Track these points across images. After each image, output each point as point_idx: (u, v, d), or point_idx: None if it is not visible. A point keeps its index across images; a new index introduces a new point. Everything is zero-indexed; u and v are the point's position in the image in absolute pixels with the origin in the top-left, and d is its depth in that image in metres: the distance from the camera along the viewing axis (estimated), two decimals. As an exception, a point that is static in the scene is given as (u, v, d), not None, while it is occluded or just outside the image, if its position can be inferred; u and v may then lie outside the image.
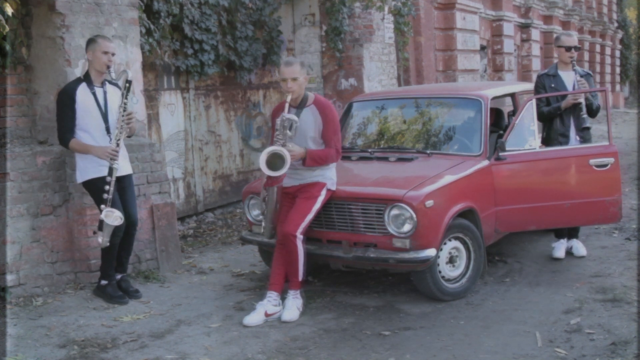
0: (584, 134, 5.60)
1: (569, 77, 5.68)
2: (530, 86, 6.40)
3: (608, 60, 26.16)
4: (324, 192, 4.67)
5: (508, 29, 15.86)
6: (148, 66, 6.90)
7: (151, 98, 7.13)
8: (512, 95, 6.26)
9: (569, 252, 5.77)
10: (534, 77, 7.37)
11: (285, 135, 4.51)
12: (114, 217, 4.58)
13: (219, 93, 8.21)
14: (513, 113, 6.44)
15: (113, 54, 4.81)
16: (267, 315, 4.50)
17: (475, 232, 4.89)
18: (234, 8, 7.87)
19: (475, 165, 5.12)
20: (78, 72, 5.13)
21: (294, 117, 4.55)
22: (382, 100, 6.25)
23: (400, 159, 5.35)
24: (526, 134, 5.34)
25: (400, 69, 11.02)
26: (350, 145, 5.91)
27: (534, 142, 5.32)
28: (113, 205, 4.62)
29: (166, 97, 7.42)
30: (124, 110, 4.68)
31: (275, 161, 4.44)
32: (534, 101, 5.42)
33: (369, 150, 5.68)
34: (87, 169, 4.79)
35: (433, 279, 4.68)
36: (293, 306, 4.57)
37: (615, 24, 27.34)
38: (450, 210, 4.70)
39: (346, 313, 4.63)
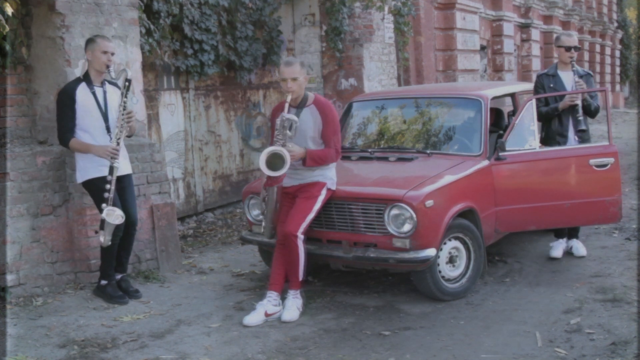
0: (582, 135, 5.59)
1: (568, 77, 5.67)
2: (530, 86, 6.40)
3: (608, 60, 26.16)
4: (324, 192, 4.67)
5: (508, 29, 15.87)
6: (148, 66, 6.90)
7: (151, 98, 7.14)
8: (512, 95, 6.26)
9: (569, 252, 5.77)
10: (534, 77, 7.37)
11: (285, 135, 4.51)
12: (115, 215, 4.58)
13: (219, 93, 8.21)
14: (513, 113, 6.44)
15: (112, 54, 4.81)
16: (267, 315, 4.50)
17: (475, 232, 4.89)
18: (234, 8, 7.87)
19: (475, 165, 5.12)
20: (78, 72, 5.13)
21: (294, 117, 4.55)
22: (382, 100, 6.25)
23: (400, 159, 5.35)
24: (526, 134, 5.34)
25: (400, 69, 11.02)
26: (350, 145, 5.91)
27: (534, 142, 5.32)
28: (113, 205, 4.62)
29: (166, 97, 7.42)
30: (124, 109, 4.68)
31: (275, 161, 4.44)
32: (533, 101, 5.42)
33: (369, 150, 5.68)
34: (87, 169, 4.79)
35: (433, 279, 4.68)
36: (293, 306, 4.57)
37: (615, 24, 27.35)
38: (450, 210, 4.70)
39: (346, 313, 4.63)
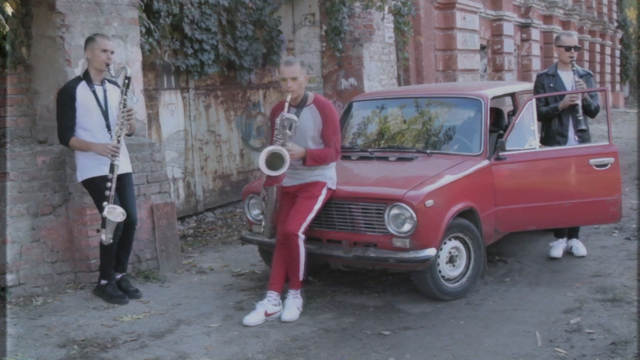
0: (582, 134, 5.59)
1: (568, 77, 5.67)
2: (530, 86, 6.40)
3: (608, 60, 26.16)
4: (324, 192, 4.67)
5: (508, 28, 15.87)
6: (148, 66, 6.90)
7: (151, 98, 7.13)
8: (512, 95, 6.26)
9: (569, 252, 5.77)
10: (534, 76, 7.37)
11: (285, 134, 4.51)
12: (116, 213, 4.58)
13: (219, 93, 8.21)
14: (513, 113, 6.43)
15: (112, 52, 4.81)
16: (267, 315, 4.50)
17: (475, 231, 4.89)
18: (234, 8, 7.87)
19: (475, 165, 5.12)
20: (78, 71, 5.12)
21: (294, 117, 4.55)
22: (382, 100, 6.25)
23: (400, 159, 5.35)
24: (526, 133, 5.34)
25: (400, 69, 11.02)
26: (350, 145, 5.91)
27: (534, 141, 5.32)
28: (113, 203, 4.62)
29: (166, 96, 7.42)
30: (124, 107, 4.68)
31: (274, 161, 4.44)
32: (534, 101, 5.42)
33: (369, 150, 5.68)
34: (87, 167, 4.79)
35: (433, 279, 4.68)
36: (293, 306, 4.57)
37: (615, 24, 27.35)
38: (450, 210, 4.70)
39: (346, 313, 4.63)
